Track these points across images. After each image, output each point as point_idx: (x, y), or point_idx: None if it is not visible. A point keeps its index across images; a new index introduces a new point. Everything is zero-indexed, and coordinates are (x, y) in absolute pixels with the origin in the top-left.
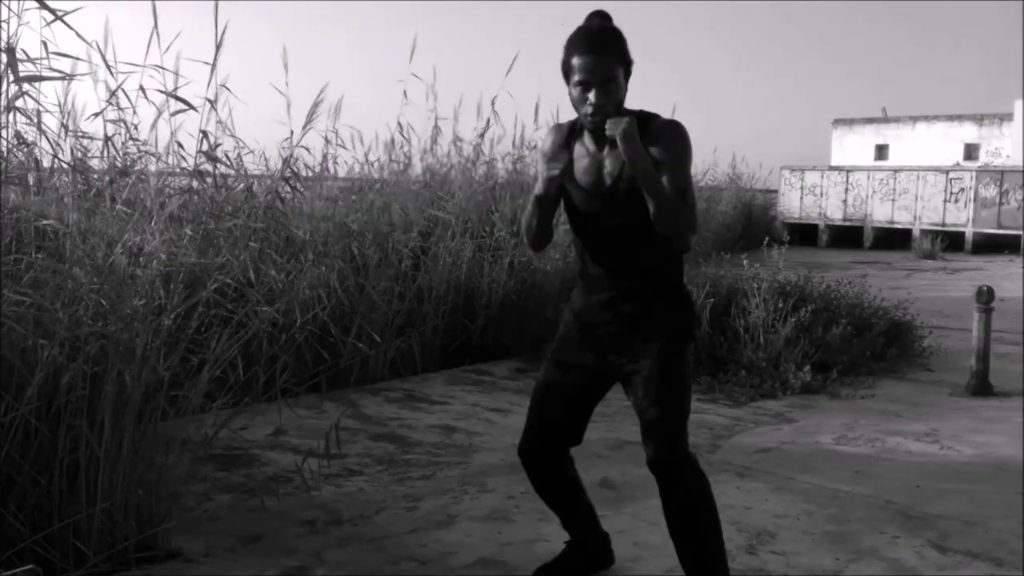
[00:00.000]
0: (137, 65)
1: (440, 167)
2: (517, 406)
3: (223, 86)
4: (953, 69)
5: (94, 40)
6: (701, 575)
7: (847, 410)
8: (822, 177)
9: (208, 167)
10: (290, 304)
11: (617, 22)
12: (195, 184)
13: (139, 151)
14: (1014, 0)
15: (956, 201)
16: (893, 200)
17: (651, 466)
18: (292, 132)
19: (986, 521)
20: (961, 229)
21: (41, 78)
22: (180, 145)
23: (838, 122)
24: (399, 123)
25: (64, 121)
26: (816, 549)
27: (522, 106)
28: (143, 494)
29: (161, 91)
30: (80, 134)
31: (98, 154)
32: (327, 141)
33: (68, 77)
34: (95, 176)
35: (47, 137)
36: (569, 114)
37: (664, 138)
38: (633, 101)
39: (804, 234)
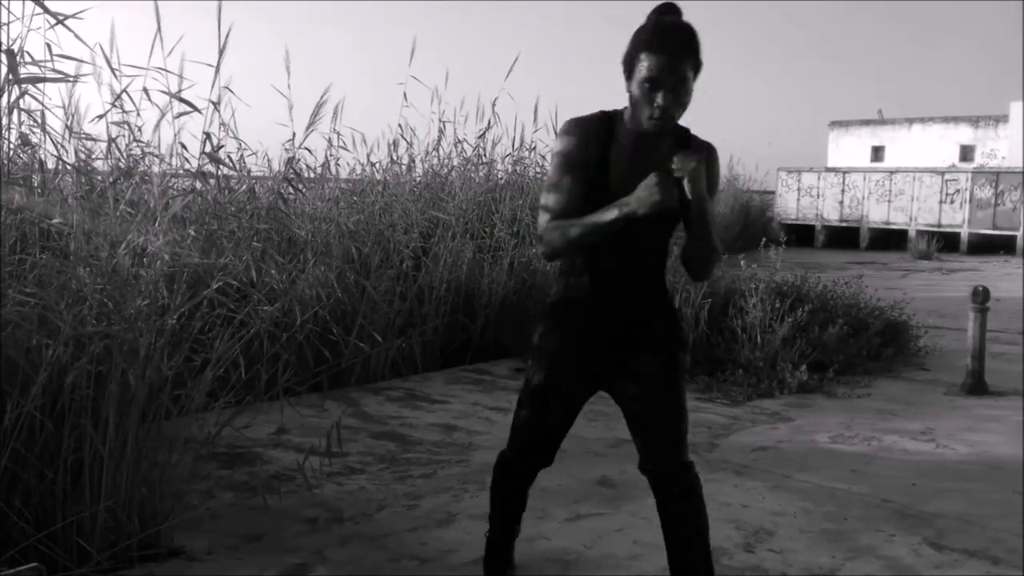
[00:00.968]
0: (141, 68)
1: (441, 168)
2: None
3: (226, 88)
4: (950, 71)
5: (96, 43)
6: (693, 570)
7: (843, 409)
8: (819, 178)
9: (211, 168)
10: (292, 304)
11: (617, 23)
12: (198, 185)
13: (143, 152)
14: (1014, 0)
15: (952, 202)
16: (889, 201)
17: (656, 474)
18: (294, 134)
19: (982, 519)
20: (957, 230)
21: (42, 79)
22: (184, 147)
23: (834, 124)
24: (400, 125)
25: (68, 123)
26: (813, 547)
27: (522, 107)
28: (146, 492)
29: (164, 92)
30: (84, 136)
31: (102, 156)
32: (329, 143)
33: (70, 79)
34: (99, 177)
35: (51, 139)
36: (566, 113)
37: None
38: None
39: (801, 235)
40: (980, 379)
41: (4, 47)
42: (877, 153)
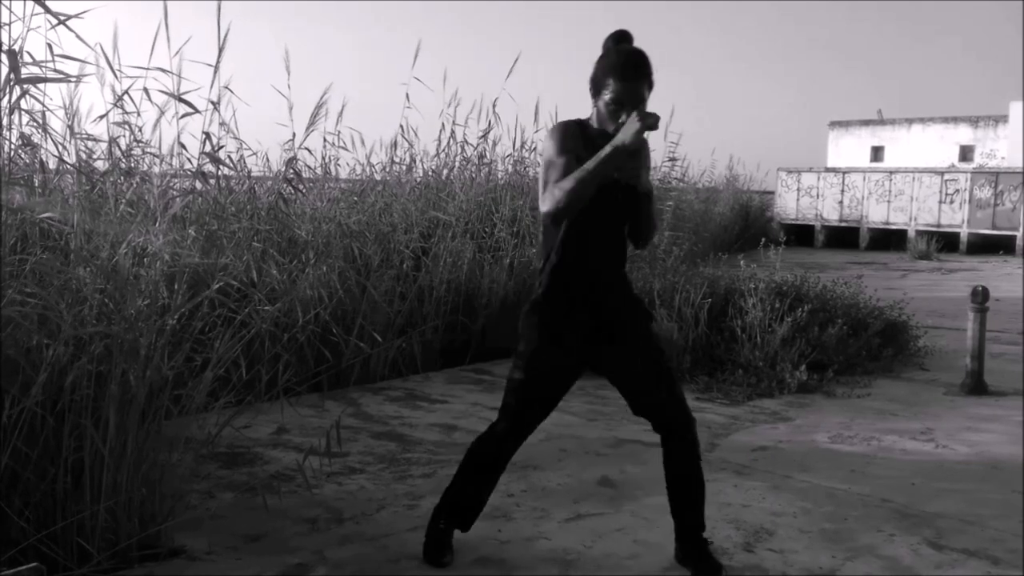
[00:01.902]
0: (142, 68)
1: (441, 168)
2: None
3: (226, 87)
4: (950, 71)
5: (97, 43)
6: (698, 522)
7: (843, 409)
8: (818, 179)
9: (211, 168)
10: (292, 304)
11: (617, 23)
12: (198, 185)
13: (143, 152)
14: (1014, 0)
15: (951, 202)
16: (889, 201)
17: (670, 427)
18: (294, 134)
19: (982, 519)
20: (956, 230)
21: (43, 80)
22: (183, 147)
23: (834, 124)
24: (402, 126)
25: (69, 123)
26: (813, 547)
27: (522, 108)
28: (146, 492)
29: (164, 92)
30: (85, 136)
31: (103, 156)
32: (328, 143)
33: (70, 79)
34: (99, 177)
35: (52, 139)
36: (565, 114)
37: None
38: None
39: (800, 235)
40: (980, 379)
41: (6, 47)
42: (877, 153)
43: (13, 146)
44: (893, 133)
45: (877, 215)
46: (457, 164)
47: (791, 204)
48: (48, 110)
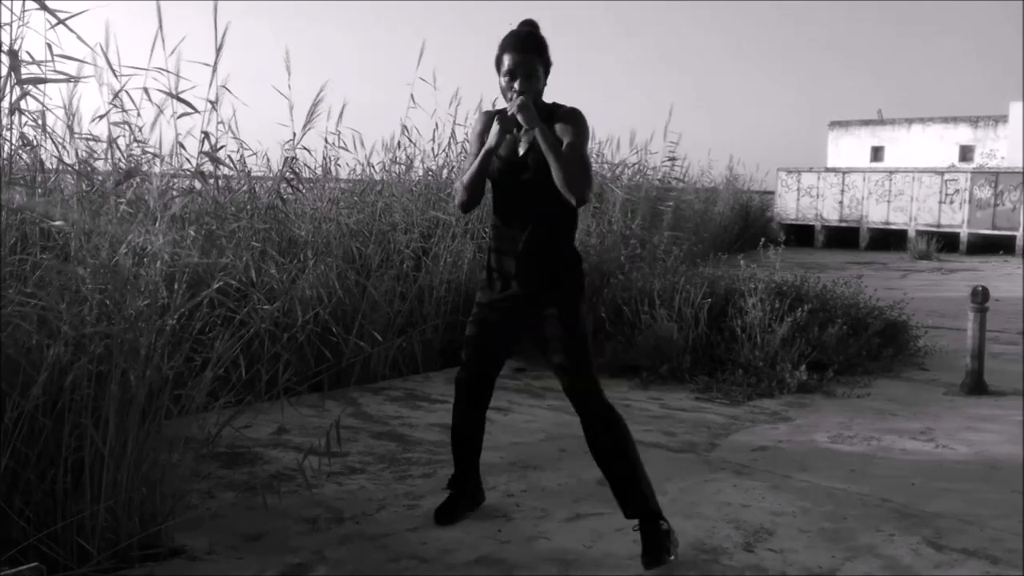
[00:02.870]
0: (140, 68)
1: (441, 170)
2: (517, 405)
3: (224, 87)
4: (950, 71)
5: (97, 43)
6: (638, 508)
7: (843, 409)
8: (818, 179)
9: (210, 168)
10: (292, 303)
11: (618, 23)
12: (198, 185)
13: (143, 152)
14: (1014, 0)
15: (951, 202)
16: (889, 201)
17: (569, 392)
18: (294, 134)
19: (981, 519)
20: (956, 230)
21: (43, 80)
22: (182, 146)
23: (834, 124)
24: (403, 126)
25: (69, 123)
26: (813, 547)
27: None
28: (147, 492)
29: (162, 91)
30: (85, 136)
31: (102, 156)
32: (329, 144)
33: (70, 79)
34: (99, 178)
35: (52, 139)
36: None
37: (565, 118)
38: (633, 100)
39: (800, 235)
40: (979, 379)
41: (6, 48)
42: (877, 153)
43: (13, 146)
44: (893, 133)
45: (877, 215)
46: (457, 164)
47: (791, 204)
48: (47, 110)
